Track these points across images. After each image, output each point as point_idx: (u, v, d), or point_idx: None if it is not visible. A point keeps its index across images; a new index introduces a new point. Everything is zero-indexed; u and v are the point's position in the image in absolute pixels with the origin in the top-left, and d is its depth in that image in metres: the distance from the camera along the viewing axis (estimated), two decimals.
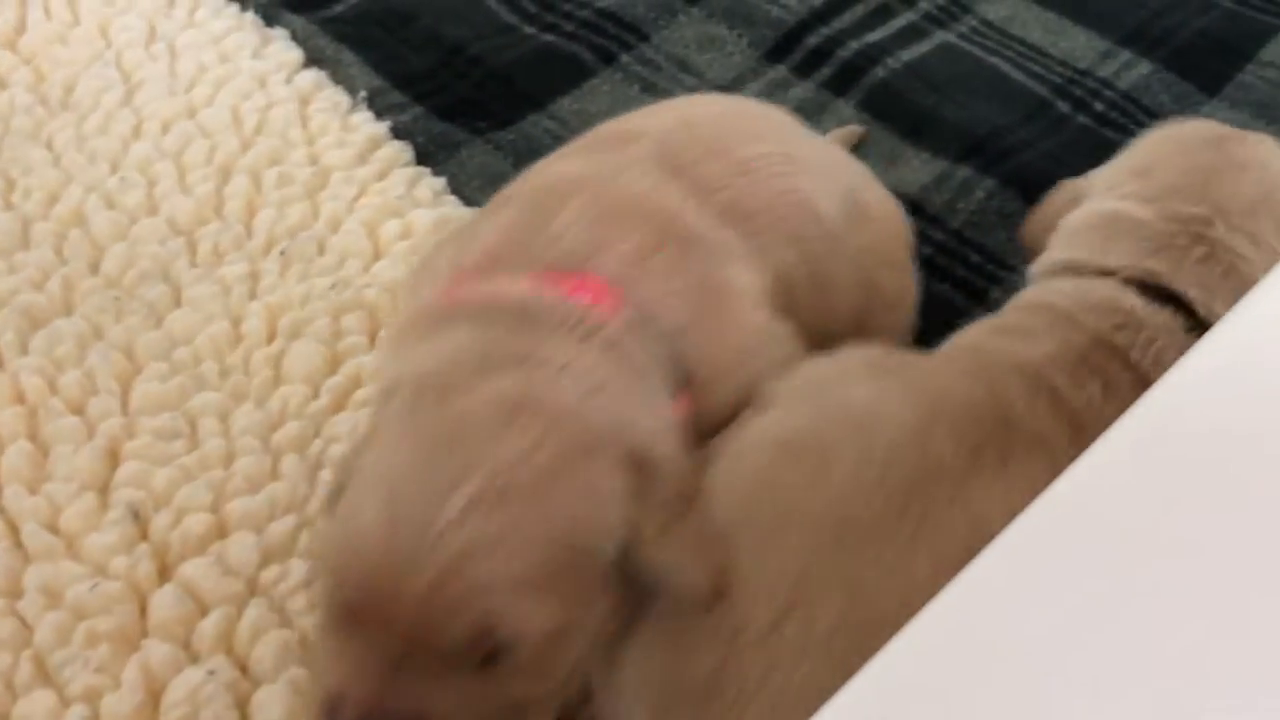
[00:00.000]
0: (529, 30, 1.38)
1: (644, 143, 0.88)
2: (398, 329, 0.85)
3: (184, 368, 1.01)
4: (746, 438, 0.77)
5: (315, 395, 1.00)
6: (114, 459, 0.95)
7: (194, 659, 0.85)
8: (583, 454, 0.70)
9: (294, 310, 1.06)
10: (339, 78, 1.29)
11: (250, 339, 1.04)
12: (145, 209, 1.13)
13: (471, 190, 1.19)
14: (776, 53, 1.37)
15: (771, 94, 1.32)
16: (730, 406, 0.81)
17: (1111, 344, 0.81)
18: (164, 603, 0.87)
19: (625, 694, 0.72)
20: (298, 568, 0.89)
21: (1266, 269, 0.75)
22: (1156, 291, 0.85)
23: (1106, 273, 0.87)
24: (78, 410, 0.98)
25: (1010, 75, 1.37)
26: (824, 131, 1.28)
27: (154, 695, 0.83)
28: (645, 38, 1.37)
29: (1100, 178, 0.97)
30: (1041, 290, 0.90)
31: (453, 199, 1.18)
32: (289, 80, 1.28)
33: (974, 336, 0.87)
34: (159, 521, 0.91)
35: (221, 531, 0.92)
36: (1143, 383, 0.77)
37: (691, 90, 1.31)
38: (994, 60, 1.39)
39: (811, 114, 1.31)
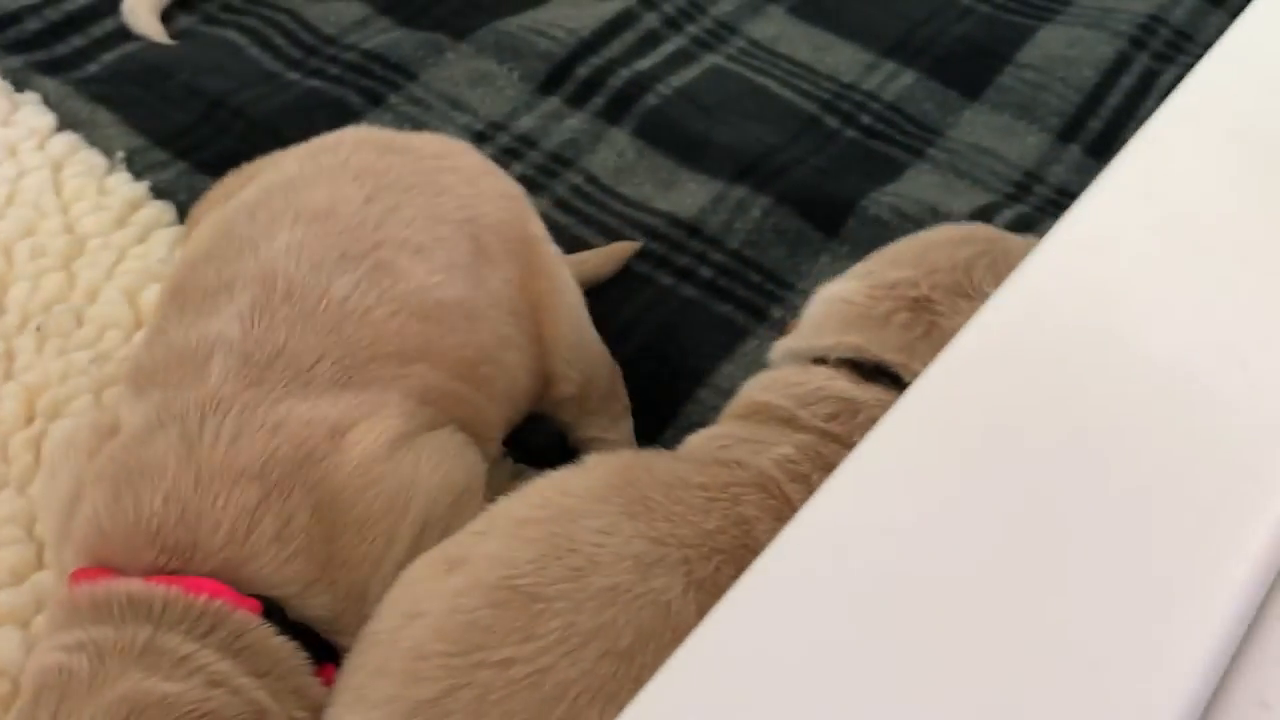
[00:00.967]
0: (292, 76, 1.35)
1: (216, 360, 0.80)
2: (45, 618, 0.80)
3: None
4: (462, 571, 0.70)
5: None
6: None
7: None
8: None
9: (53, 388, 1.01)
10: (96, 139, 1.25)
11: (7, 423, 0.99)
12: None
13: None
14: (549, 85, 1.37)
15: (546, 126, 1.32)
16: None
17: (834, 435, 0.77)
18: None
19: None
20: None
21: None
22: (863, 367, 0.81)
23: (819, 359, 0.82)
24: None
25: (779, 94, 1.39)
26: (603, 160, 1.29)
27: None
28: (413, 77, 1.36)
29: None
30: (764, 387, 0.84)
31: None
32: (41, 146, 1.22)
33: (706, 447, 0.80)
34: None
35: None
36: None
37: (465, 128, 1.30)
38: (763, 80, 1.40)
39: (587, 144, 1.31)
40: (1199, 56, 1.44)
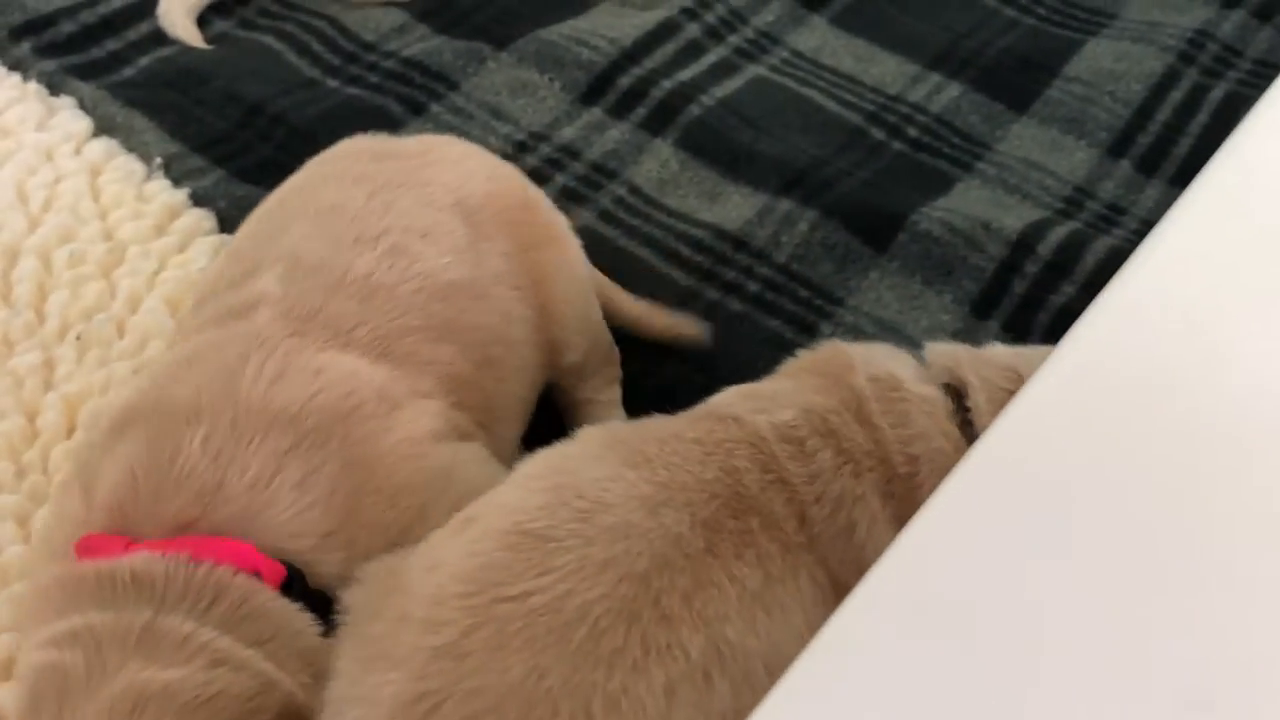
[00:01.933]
0: (332, 84, 1.33)
1: (263, 309, 0.82)
2: (29, 602, 0.77)
3: None
4: (476, 524, 0.71)
5: None
6: None
7: None
8: None
9: (94, 399, 0.99)
10: (132, 145, 1.23)
11: (47, 434, 0.97)
12: None
13: None
14: (590, 95, 1.35)
15: (588, 136, 1.30)
16: None
17: (867, 412, 0.76)
18: None
19: None
20: None
21: None
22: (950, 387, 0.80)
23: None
24: None
25: (824, 105, 1.37)
26: (647, 172, 1.27)
27: None
28: (455, 86, 1.34)
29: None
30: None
31: None
32: (78, 151, 1.21)
33: (726, 400, 0.81)
34: None
35: None
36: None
37: (507, 138, 1.28)
38: (807, 91, 1.38)
39: (630, 155, 1.29)
40: (1248, 72, 1.44)
